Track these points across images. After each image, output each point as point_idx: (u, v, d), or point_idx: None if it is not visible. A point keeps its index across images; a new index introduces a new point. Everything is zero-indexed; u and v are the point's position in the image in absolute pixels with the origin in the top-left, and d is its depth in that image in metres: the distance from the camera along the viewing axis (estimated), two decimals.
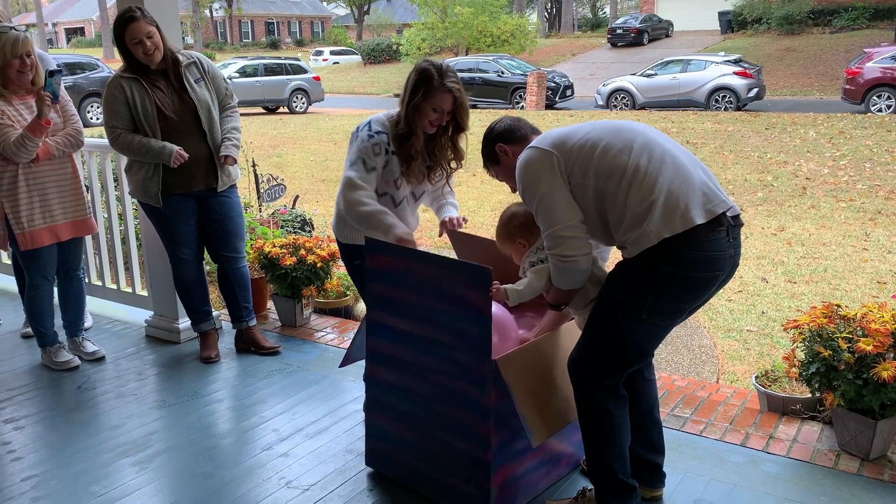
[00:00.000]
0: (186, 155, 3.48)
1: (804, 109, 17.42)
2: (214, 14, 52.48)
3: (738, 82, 18.20)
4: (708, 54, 20.91)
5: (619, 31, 33.85)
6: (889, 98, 16.09)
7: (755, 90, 18.28)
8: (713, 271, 2.13)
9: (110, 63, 25.22)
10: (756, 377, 3.31)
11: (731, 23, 32.84)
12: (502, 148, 2.49)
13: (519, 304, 2.42)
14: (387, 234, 2.59)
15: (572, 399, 2.42)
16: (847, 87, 16.77)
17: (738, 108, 18.07)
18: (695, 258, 2.10)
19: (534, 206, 2.23)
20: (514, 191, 2.41)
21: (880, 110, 16.08)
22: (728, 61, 18.90)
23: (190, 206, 3.68)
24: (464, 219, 2.98)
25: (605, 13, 55.06)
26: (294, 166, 12.92)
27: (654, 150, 2.17)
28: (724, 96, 18.28)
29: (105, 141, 4.53)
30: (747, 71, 18.47)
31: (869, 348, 2.61)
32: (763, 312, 5.50)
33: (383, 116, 2.79)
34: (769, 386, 3.23)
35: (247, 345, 3.96)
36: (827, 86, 22.47)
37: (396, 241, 2.55)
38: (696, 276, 2.12)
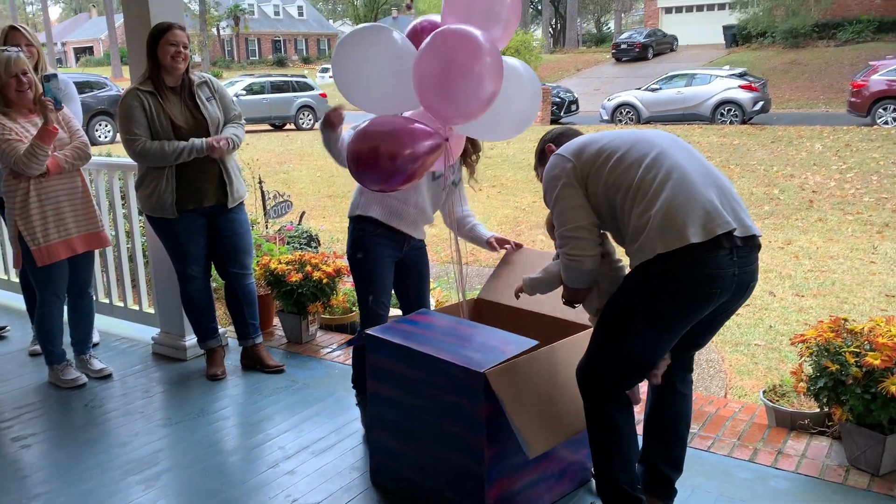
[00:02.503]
0: (219, 142, 3.53)
1: (810, 122, 17.41)
2: (221, 32, 52.86)
3: (743, 96, 18.22)
4: (713, 68, 20.98)
5: (623, 46, 33.99)
6: (895, 110, 16.07)
7: (760, 103, 18.29)
8: (710, 289, 2.11)
9: (118, 82, 25.41)
10: (764, 392, 3.30)
11: (736, 37, 32.94)
12: (550, 148, 2.56)
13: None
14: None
15: (572, 413, 2.43)
16: (853, 99, 16.76)
17: (744, 122, 18.07)
18: (688, 274, 2.09)
19: (551, 206, 2.35)
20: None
21: (886, 122, 16.06)
22: (733, 75, 18.95)
23: (200, 223, 3.71)
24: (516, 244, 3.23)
25: (609, 28, 55.30)
26: (300, 182, 12.97)
27: (663, 165, 2.17)
28: (729, 110, 18.29)
29: (112, 159, 4.58)
30: (752, 84, 18.49)
31: (877, 363, 2.59)
32: (771, 326, 5.47)
33: None
34: (777, 401, 3.21)
35: (252, 362, 3.97)
36: (832, 98, 22.48)
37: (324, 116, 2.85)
38: (690, 292, 2.11)
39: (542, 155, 2.63)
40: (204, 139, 3.53)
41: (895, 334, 2.68)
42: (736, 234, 2.10)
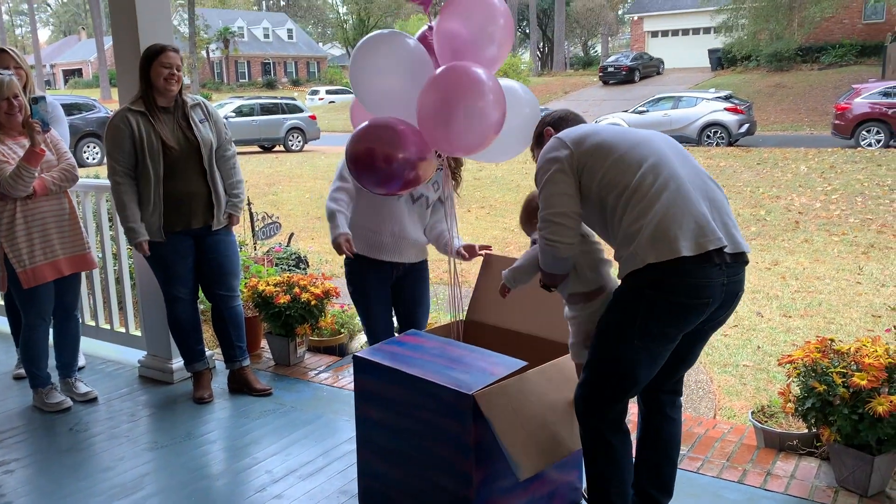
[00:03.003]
0: (148, 251, 3.59)
1: (795, 144, 17.60)
2: (211, 55, 53.05)
3: (729, 118, 18.41)
4: (698, 91, 21.23)
5: (610, 69, 34.32)
6: (878, 133, 16.28)
7: (746, 126, 18.49)
8: (701, 298, 2.12)
9: (107, 103, 25.41)
10: (752, 413, 3.30)
11: (721, 60, 33.35)
12: (549, 132, 2.53)
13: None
14: (332, 233, 2.96)
15: (563, 434, 2.42)
16: (836, 122, 16.98)
17: (730, 144, 18.25)
18: (680, 284, 2.10)
19: (539, 187, 2.32)
20: None
21: (870, 145, 16.26)
22: (719, 97, 19.16)
23: (188, 245, 3.70)
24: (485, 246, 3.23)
25: (596, 52, 55.90)
26: (289, 204, 12.96)
27: (661, 173, 2.17)
28: (715, 132, 18.47)
29: (99, 181, 4.57)
30: (738, 107, 18.69)
31: (863, 383, 2.60)
32: (759, 347, 5.49)
33: None
34: (766, 421, 3.21)
35: (239, 385, 3.94)
36: (817, 121, 22.75)
37: (333, 242, 2.93)
38: (683, 302, 2.12)
39: (539, 138, 2.60)
40: (144, 238, 3.55)
41: (881, 354, 2.70)
42: (726, 250, 2.11)
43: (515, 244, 9.59)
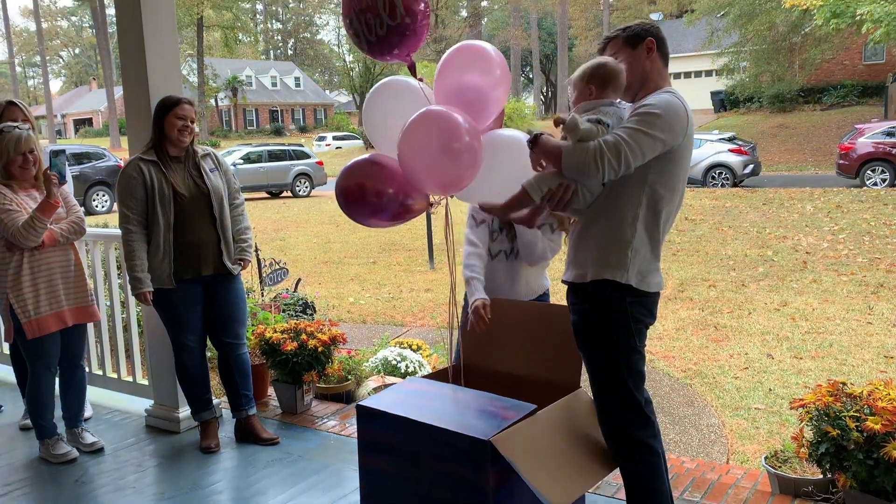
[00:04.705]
0: (150, 302, 3.61)
1: (800, 184, 17.64)
2: (220, 103, 53.90)
3: (733, 159, 18.49)
4: (702, 133, 21.32)
5: None
6: (883, 172, 16.32)
7: (751, 166, 18.56)
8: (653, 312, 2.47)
9: (116, 152, 25.75)
10: (766, 458, 3.25)
11: (724, 102, 33.65)
12: (652, 43, 2.40)
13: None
14: (469, 298, 3.06)
15: (588, 464, 2.46)
16: (841, 161, 17.04)
17: (735, 185, 18.30)
18: (650, 302, 2.43)
19: (644, 118, 2.22)
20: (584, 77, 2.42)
21: (875, 184, 16.29)
22: (722, 139, 19.26)
23: (198, 292, 3.72)
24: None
25: None
26: (297, 249, 13.02)
27: (671, 220, 2.43)
28: (720, 173, 18.54)
29: (109, 231, 4.61)
30: (742, 148, 18.79)
31: (877, 427, 2.56)
32: (770, 389, 5.43)
33: None
34: (779, 467, 3.16)
35: (246, 434, 3.91)
36: (821, 161, 22.83)
37: (471, 309, 2.99)
38: (652, 313, 2.45)
39: (636, 35, 2.41)
40: (148, 289, 3.57)
41: (894, 398, 2.66)
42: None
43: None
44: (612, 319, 2.35)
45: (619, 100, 2.44)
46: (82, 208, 3.83)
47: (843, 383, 2.87)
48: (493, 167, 2.60)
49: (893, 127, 16.95)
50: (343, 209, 2.71)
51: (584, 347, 2.46)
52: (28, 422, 4.10)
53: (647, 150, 2.21)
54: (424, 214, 3.21)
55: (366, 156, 2.74)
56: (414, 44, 2.62)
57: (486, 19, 47.29)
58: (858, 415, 2.66)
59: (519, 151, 2.78)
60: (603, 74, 2.38)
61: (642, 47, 2.40)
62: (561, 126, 2.25)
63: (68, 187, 3.93)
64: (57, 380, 3.82)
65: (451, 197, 2.79)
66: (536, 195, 2.30)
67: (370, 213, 2.67)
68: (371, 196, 2.62)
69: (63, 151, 3.60)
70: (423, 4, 2.55)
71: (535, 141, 2.29)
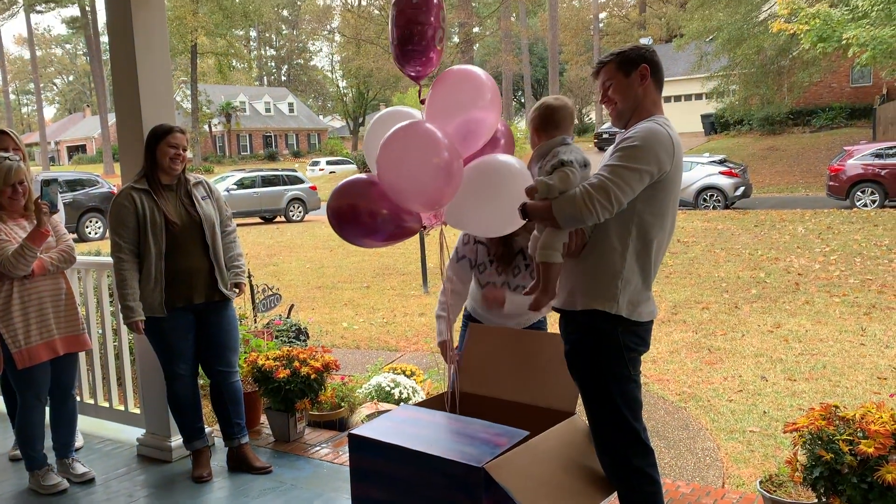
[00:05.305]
0: (142, 331, 3.61)
1: (791, 206, 17.75)
2: (213, 129, 54.07)
3: (724, 181, 18.62)
4: (693, 155, 21.48)
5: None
6: (873, 193, 16.47)
7: (742, 188, 18.69)
8: (646, 341, 2.50)
9: (110, 178, 25.77)
10: (760, 482, 3.23)
11: (714, 125, 33.96)
12: (646, 70, 2.39)
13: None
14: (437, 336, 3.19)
15: (583, 490, 2.46)
16: (831, 183, 17.19)
17: (727, 207, 18.41)
18: (642, 332, 2.46)
19: (626, 153, 2.25)
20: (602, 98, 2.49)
21: (865, 205, 16.41)
22: (713, 161, 19.41)
23: (189, 321, 3.71)
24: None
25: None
26: (290, 274, 13.00)
27: (663, 248, 2.43)
28: (711, 195, 18.66)
29: (101, 258, 4.61)
30: (733, 170, 18.94)
31: (871, 450, 2.56)
32: (765, 412, 5.42)
33: None
34: (774, 491, 3.15)
35: (238, 463, 3.87)
36: (811, 182, 22.99)
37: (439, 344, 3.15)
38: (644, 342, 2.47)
39: (630, 62, 2.40)
40: (140, 318, 3.56)
41: (886, 421, 2.66)
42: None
43: None
44: (603, 349, 2.36)
45: (569, 136, 2.56)
46: (74, 235, 3.83)
47: (836, 406, 2.86)
48: (486, 192, 2.62)
49: (882, 148, 17.14)
50: (335, 229, 2.76)
51: (577, 376, 2.46)
52: (18, 452, 4.06)
53: (634, 183, 2.23)
54: (418, 238, 3.26)
55: (354, 176, 2.80)
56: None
57: (477, 45, 47.72)
58: (852, 438, 2.66)
59: (513, 176, 2.81)
60: (543, 117, 2.51)
61: (636, 74, 2.40)
62: (535, 195, 2.30)
63: (59, 216, 3.93)
64: (47, 409, 3.79)
65: (445, 225, 2.80)
66: (558, 257, 2.34)
67: (363, 233, 2.71)
68: (364, 216, 2.66)
69: (55, 180, 3.62)
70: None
71: (524, 211, 2.36)
